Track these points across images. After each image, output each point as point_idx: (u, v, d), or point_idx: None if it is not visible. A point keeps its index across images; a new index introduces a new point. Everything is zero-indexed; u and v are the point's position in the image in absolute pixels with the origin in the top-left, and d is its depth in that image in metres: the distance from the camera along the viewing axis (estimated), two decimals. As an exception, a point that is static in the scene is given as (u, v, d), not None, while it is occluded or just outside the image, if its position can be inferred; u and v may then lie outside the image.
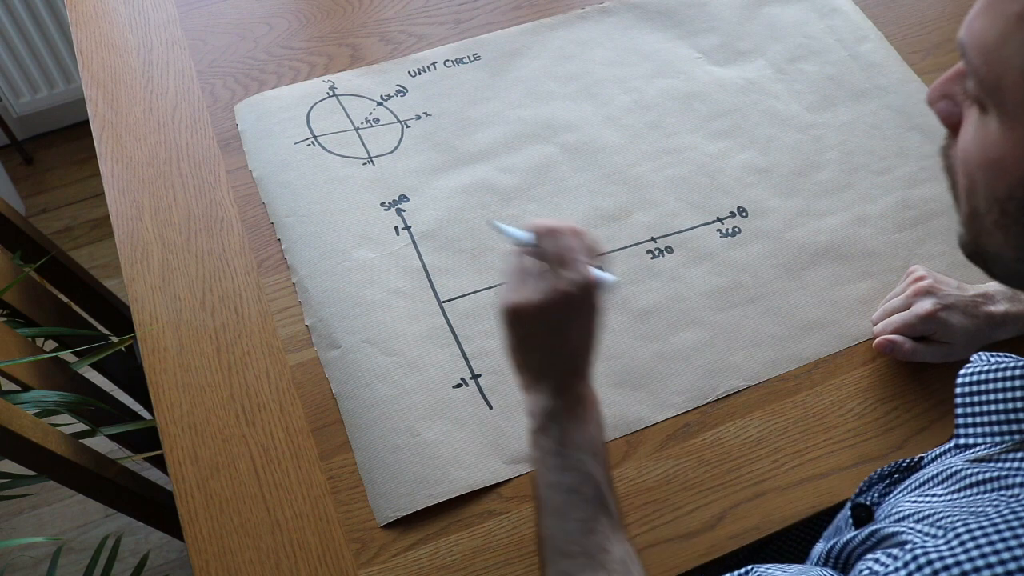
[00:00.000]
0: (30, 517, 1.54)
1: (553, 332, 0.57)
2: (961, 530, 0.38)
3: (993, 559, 0.36)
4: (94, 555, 1.09)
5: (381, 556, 0.68)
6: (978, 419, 0.46)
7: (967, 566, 0.36)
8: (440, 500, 0.70)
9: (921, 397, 0.76)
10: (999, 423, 0.45)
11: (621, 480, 0.71)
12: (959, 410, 0.47)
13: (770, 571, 0.48)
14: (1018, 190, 0.38)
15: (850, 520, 0.59)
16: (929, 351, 0.74)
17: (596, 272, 0.57)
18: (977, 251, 0.43)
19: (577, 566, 0.54)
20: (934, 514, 0.42)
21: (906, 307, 0.76)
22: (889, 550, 0.41)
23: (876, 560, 0.40)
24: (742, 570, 0.50)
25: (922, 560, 0.38)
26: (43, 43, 1.70)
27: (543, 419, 0.58)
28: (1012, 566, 0.35)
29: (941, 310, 0.73)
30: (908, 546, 0.39)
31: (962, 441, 0.46)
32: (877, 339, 0.76)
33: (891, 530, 0.43)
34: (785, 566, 0.48)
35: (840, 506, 0.70)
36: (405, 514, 0.69)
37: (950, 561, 0.37)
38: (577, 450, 0.57)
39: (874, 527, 0.45)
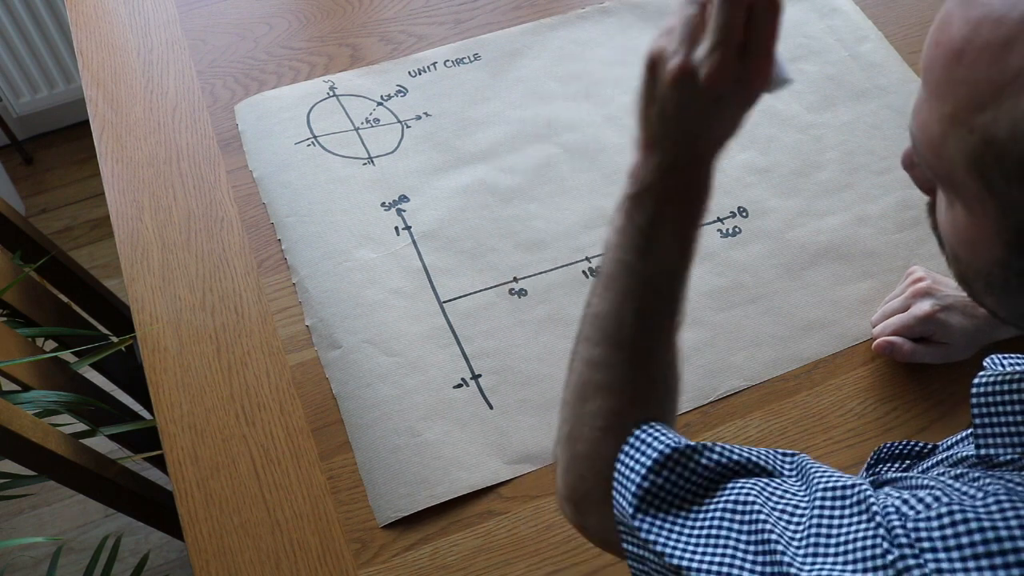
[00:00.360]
0: (30, 517, 1.54)
1: (688, 102, 0.49)
2: (1003, 497, 0.36)
3: None
4: (94, 555, 1.09)
5: (381, 556, 0.68)
6: (998, 428, 0.44)
7: (1004, 533, 0.35)
8: (441, 500, 0.70)
9: (921, 397, 0.76)
10: (1020, 434, 0.43)
11: (621, 480, 0.71)
12: (976, 420, 0.45)
13: (813, 463, 0.46)
14: (995, 268, 0.38)
15: (864, 474, 0.58)
16: (928, 352, 0.74)
17: (780, 66, 0.49)
18: (972, 298, 0.43)
19: (618, 358, 0.51)
20: (969, 475, 0.40)
21: (905, 308, 0.76)
22: (920, 494, 0.39)
23: (905, 501, 0.38)
24: (792, 451, 0.47)
25: (958, 516, 0.36)
26: (43, 43, 1.70)
27: (642, 188, 0.51)
28: None
29: (940, 311, 0.73)
30: (944, 499, 0.37)
31: (983, 452, 0.45)
32: (876, 341, 0.76)
33: (923, 481, 0.41)
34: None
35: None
36: (406, 514, 0.69)
37: (987, 524, 0.35)
38: (666, 237, 0.51)
39: (900, 475, 0.44)
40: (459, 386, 0.75)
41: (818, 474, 0.43)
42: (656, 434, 0.47)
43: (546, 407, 0.74)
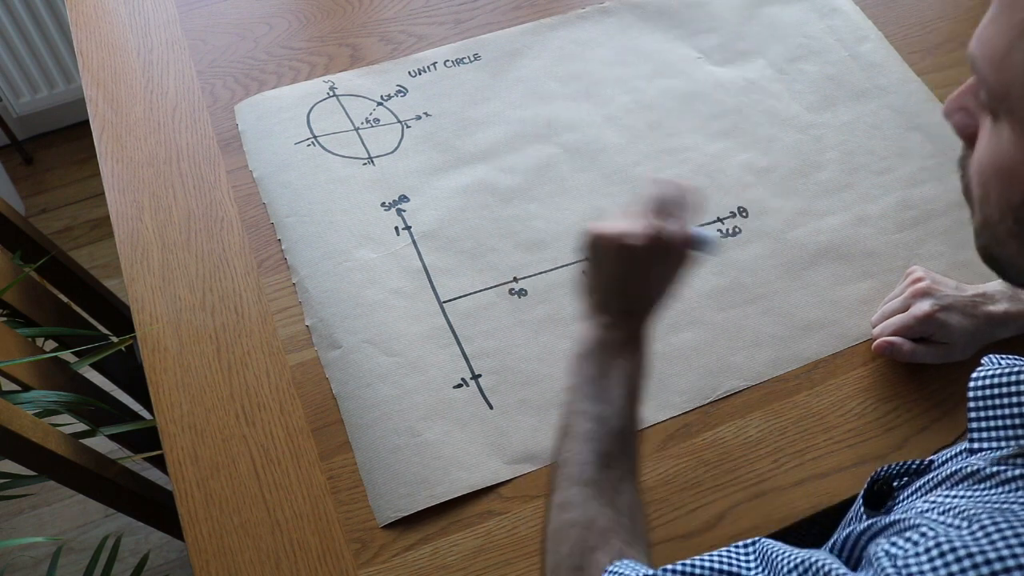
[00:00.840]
0: (30, 517, 1.54)
1: (633, 271, 0.58)
2: (987, 522, 0.37)
3: (1020, 552, 0.35)
4: (94, 555, 1.09)
5: (381, 556, 0.68)
6: (992, 423, 0.45)
7: (992, 556, 0.35)
8: (441, 500, 0.70)
9: (921, 397, 0.76)
10: (1014, 427, 0.44)
11: (621, 480, 0.71)
12: (972, 415, 0.46)
13: (775, 545, 0.47)
14: None
15: (861, 511, 0.58)
16: (928, 352, 0.74)
17: (696, 230, 0.60)
18: (990, 257, 0.44)
19: (586, 495, 0.54)
20: (955, 508, 0.41)
21: (904, 308, 0.76)
22: (908, 534, 0.40)
23: (893, 544, 0.39)
24: (750, 540, 0.49)
25: (945, 548, 0.37)
26: (43, 43, 1.70)
27: (591, 346, 0.59)
28: None
29: (939, 311, 0.73)
30: (931, 533, 0.38)
31: (976, 446, 0.45)
32: (876, 341, 0.76)
33: (913, 521, 0.42)
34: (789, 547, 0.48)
35: (840, 507, 0.70)
36: (406, 514, 0.69)
37: (974, 550, 0.36)
38: (615, 384, 0.57)
39: (892, 518, 0.44)
40: (459, 386, 0.75)
41: (781, 558, 0.45)
42: (623, 571, 0.49)
43: (546, 407, 0.74)
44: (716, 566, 0.47)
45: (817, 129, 0.93)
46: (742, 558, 0.47)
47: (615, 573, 0.49)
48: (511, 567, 0.68)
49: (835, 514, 0.70)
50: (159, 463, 1.26)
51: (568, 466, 0.56)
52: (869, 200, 0.88)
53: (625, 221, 0.59)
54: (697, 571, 0.47)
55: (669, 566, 0.48)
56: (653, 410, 0.75)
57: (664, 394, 0.75)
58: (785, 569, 0.44)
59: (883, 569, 0.38)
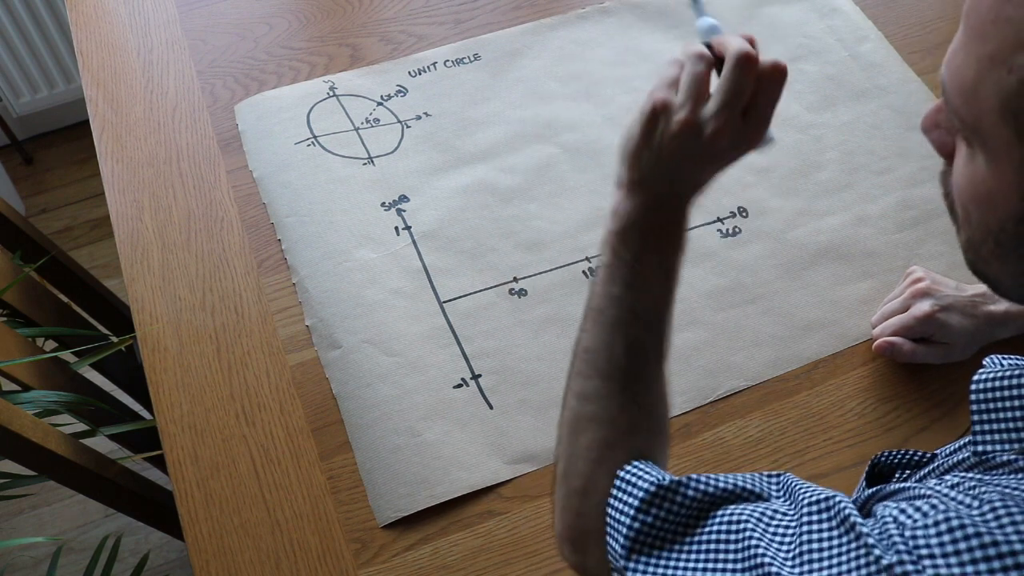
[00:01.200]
0: (30, 517, 1.54)
1: (688, 153, 0.52)
2: (998, 504, 0.37)
3: None
4: (94, 555, 1.09)
5: (381, 556, 0.68)
6: (996, 425, 0.45)
7: (999, 538, 0.36)
8: (441, 500, 0.70)
9: (921, 397, 0.76)
10: (1018, 429, 0.44)
11: (621, 480, 0.71)
12: (975, 416, 0.46)
13: (798, 480, 0.47)
14: (1009, 224, 0.39)
15: (863, 484, 0.58)
16: (929, 352, 0.74)
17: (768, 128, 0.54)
18: (977, 273, 0.44)
19: (611, 390, 0.52)
20: (965, 483, 0.41)
21: (904, 309, 0.76)
22: (918, 503, 0.40)
23: (903, 511, 0.39)
24: (776, 471, 0.48)
25: (955, 524, 0.37)
26: (43, 43, 1.70)
27: (627, 224, 0.54)
28: None
29: (939, 311, 0.73)
30: (941, 506, 0.38)
31: (980, 448, 0.45)
32: (876, 341, 0.76)
33: (923, 492, 0.42)
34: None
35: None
36: (406, 514, 0.69)
37: (983, 530, 0.36)
38: (651, 269, 0.53)
39: (901, 485, 0.44)
40: (459, 386, 0.75)
41: (802, 490, 0.44)
42: (641, 472, 0.48)
43: (546, 407, 0.74)
44: (741, 484, 0.46)
45: (817, 129, 0.93)
46: (769, 484, 0.47)
47: (632, 473, 0.48)
48: (511, 567, 0.68)
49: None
50: (159, 463, 1.26)
51: (594, 354, 0.53)
52: (869, 200, 0.88)
53: (692, 91, 0.53)
54: (722, 484, 0.46)
55: (695, 476, 0.47)
56: (653, 410, 0.75)
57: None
58: (805, 501, 0.43)
59: (890, 536, 0.38)
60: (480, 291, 0.81)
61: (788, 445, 0.73)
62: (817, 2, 1.04)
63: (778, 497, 0.46)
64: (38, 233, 1.13)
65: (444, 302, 0.80)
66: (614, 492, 0.49)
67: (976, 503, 0.38)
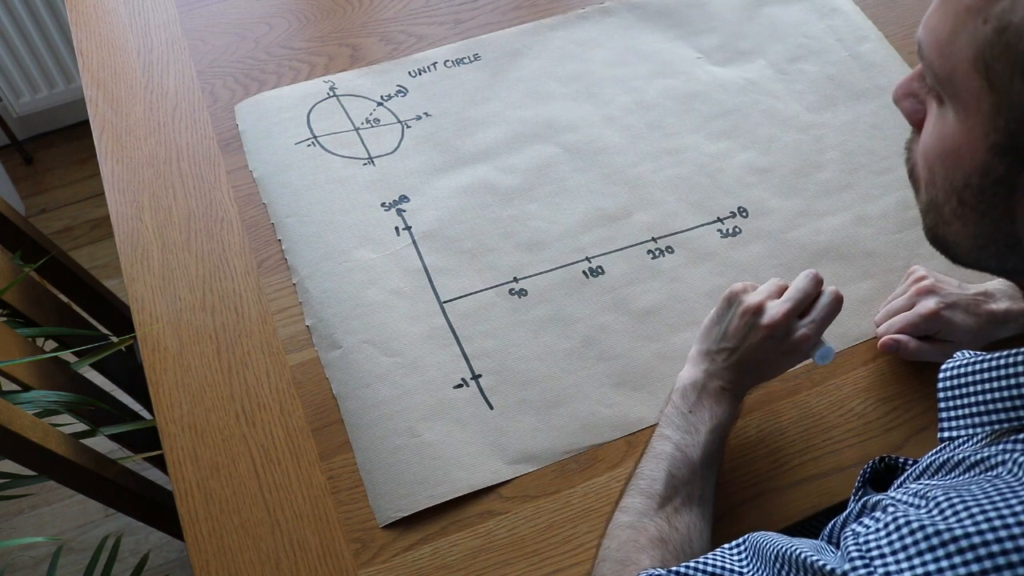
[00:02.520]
0: (30, 517, 1.54)
1: (763, 354, 0.65)
2: (942, 500, 0.39)
3: (970, 526, 0.37)
4: (94, 555, 1.09)
5: (381, 556, 0.68)
6: (958, 412, 0.48)
7: (942, 527, 0.38)
8: (441, 500, 0.70)
9: (921, 397, 0.76)
10: (977, 415, 0.46)
11: (620, 479, 0.71)
12: (941, 404, 0.49)
13: (763, 536, 0.49)
14: (973, 178, 0.40)
15: (854, 512, 0.59)
16: (933, 350, 0.74)
17: (826, 346, 0.67)
18: (936, 238, 0.46)
19: (647, 505, 0.60)
20: (919, 491, 0.43)
21: (909, 307, 0.76)
22: (874, 514, 0.42)
23: (860, 523, 0.42)
24: (740, 539, 0.51)
25: (901, 522, 0.39)
26: (43, 43, 1.70)
27: (690, 386, 0.66)
28: (989, 536, 0.36)
29: (944, 308, 0.73)
30: (891, 510, 0.41)
31: (946, 435, 0.48)
32: (881, 339, 0.76)
33: (876, 498, 0.45)
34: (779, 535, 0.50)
35: (840, 507, 0.70)
36: (406, 514, 0.69)
37: (926, 523, 0.38)
38: (702, 421, 0.64)
39: (864, 499, 0.47)
40: (459, 386, 0.75)
41: (767, 545, 0.48)
42: None
43: (546, 407, 0.74)
44: (710, 569, 0.49)
45: (817, 129, 0.93)
46: (734, 557, 0.50)
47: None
48: (511, 567, 0.68)
49: (835, 514, 0.70)
50: (159, 463, 1.26)
51: (639, 478, 0.62)
52: (869, 200, 0.88)
53: (785, 305, 0.66)
54: (691, 572, 0.50)
55: (662, 570, 0.51)
56: (653, 410, 0.75)
57: (664, 394, 0.75)
58: (771, 558, 0.46)
59: (847, 550, 0.41)
60: (480, 291, 0.81)
61: (788, 445, 0.73)
62: (817, 2, 1.04)
63: (748, 564, 0.49)
64: (38, 233, 1.13)
65: (444, 302, 0.80)
66: None
67: (923, 502, 0.40)
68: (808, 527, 0.76)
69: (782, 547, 0.46)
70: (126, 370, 1.25)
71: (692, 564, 0.50)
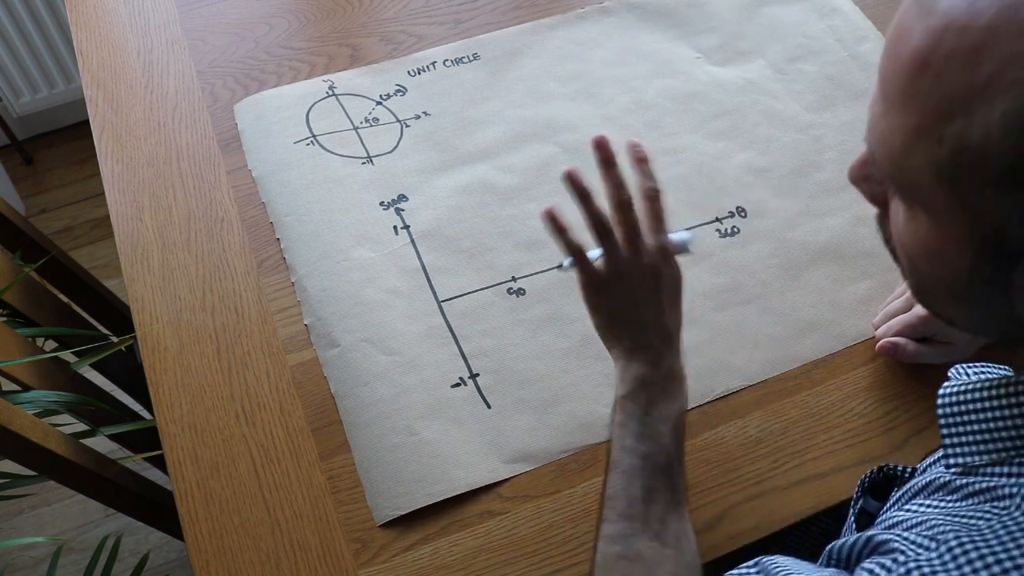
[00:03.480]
0: (30, 517, 1.54)
1: (639, 305, 0.61)
2: (953, 544, 0.38)
3: (984, 575, 0.36)
4: (94, 555, 1.09)
5: (381, 556, 0.68)
6: (963, 438, 0.46)
7: None
8: (438, 499, 0.70)
9: (921, 397, 0.76)
10: (983, 441, 0.45)
11: (621, 480, 0.71)
12: (944, 431, 0.47)
13: (778, 561, 0.48)
14: (962, 275, 0.39)
15: (852, 524, 0.59)
16: (931, 352, 0.74)
17: (672, 237, 0.61)
18: (929, 308, 0.44)
19: (633, 530, 0.56)
20: (925, 522, 0.42)
21: (907, 308, 0.76)
22: (881, 559, 0.41)
23: (870, 571, 0.40)
24: (751, 562, 0.50)
25: (915, 575, 0.38)
26: (43, 43, 1.70)
27: (633, 385, 0.61)
28: None
29: None
30: (902, 558, 0.39)
31: (951, 461, 0.46)
32: (880, 341, 0.76)
33: (883, 537, 0.43)
34: (794, 561, 0.48)
35: (840, 507, 0.70)
36: (403, 513, 0.69)
37: (940, 574, 0.37)
38: (659, 421, 0.60)
39: (870, 533, 0.46)
40: (457, 385, 0.75)
41: (780, 572, 0.46)
42: None
43: (544, 406, 0.75)
44: None
45: (816, 129, 0.93)
46: None
47: None
48: (511, 567, 0.68)
49: (835, 514, 0.71)
50: (159, 463, 1.26)
51: (616, 500, 0.58)
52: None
53: (610, 265, 0.61)
54: None
55: None
56: (653, 410, 0.75)
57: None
58: None
59: None
60: (478, 290, 0.81)
61: (788, 445, 0.73)
62: (817, 2, 1.04)
63: None
64: (38, 233, 1.13)
65: (442, 301, 0.80)
66: None
67: (934, 545, 0.39)
68: (808, 527, 0.76)
69: None
70: (126, 370, 1.25)
71: None
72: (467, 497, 0.70)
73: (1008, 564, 0.36)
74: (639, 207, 0.62)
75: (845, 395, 0.76)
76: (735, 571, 0.50)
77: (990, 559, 0.36)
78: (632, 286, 0.61)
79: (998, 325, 0.41)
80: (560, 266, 0.66)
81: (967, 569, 0.37)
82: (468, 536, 0.69)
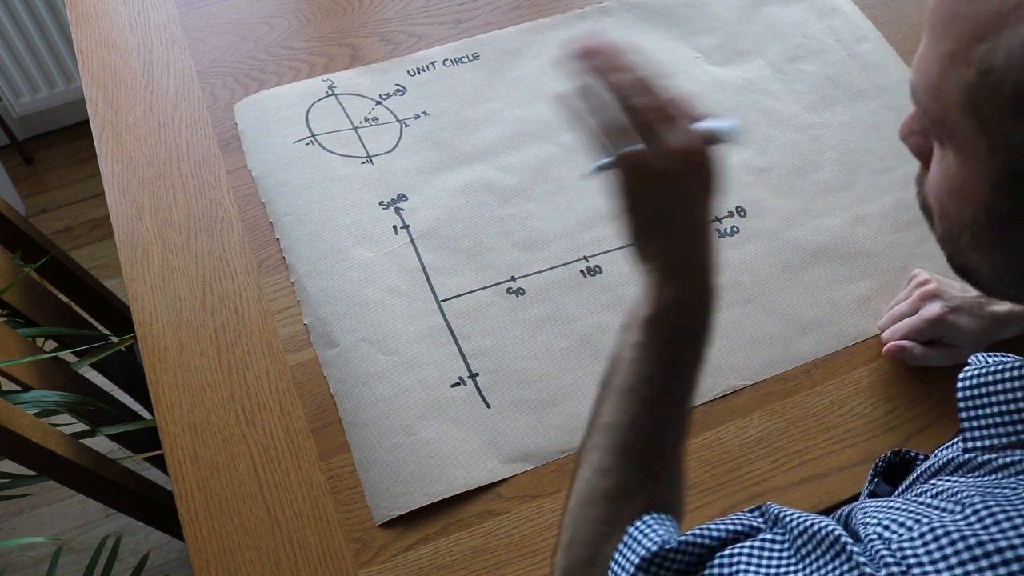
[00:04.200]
0: (30, 517, 1.54)
1: (679, 210, 0.51)
2: (980, 507, 0.38)
3: (1013, 535, 0.36)
4: (94, 555, 1.09)
5: (381, 556, 0.68)
6: (983, 420, 0.46)
7: (984, 539, 0.36)
8: (437, 499, 0.70)
9: (921, 397, 0.76)
10: (1004, 424, 0.45)
11: (620, 480, 0.71)
12: (963, 414, 0.47)
13: (781, 509, 0.47)
14: (980, 215, 0.40)
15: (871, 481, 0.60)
16: (939, 355, 0.74)
17: (709, 124, 0.49)
18: (956, 268, 0.45)
19: (630, 467, 0.52)
20: (948, 490, 0.41)
21: (913, 311, 0.75)
22: (899, 518, 0.40)
23: (887, 527, 0.40)
24: (755, 505, 0.49)
25: (939, 532, 0.37)
26: (43, 43, 1.70)
27: (668, 305, 0.52)
28: None
29: (949, 312, 0.73)
30: (924, 519, 0.39)
31: (970, 444, 0.46)
32: (887, 345, 0.76)
33: (901, 504, 0.43)
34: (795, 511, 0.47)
35: (840, 507, 0.70)
36: (402, 513, 0.69)
37: (968, 534, 0.37)
38: (683, 353, 0.53)
39: (882, 501, 0.45)
40: (456, 385, 0.75)
41: (787, 518, 0.45)
42: (648, 531, 0.48)
43: (543, 406, 0.75)
44: (731, 527, 0.47)
45: (816, 129, 0.93)
46: (754, 519, 0.48)
47: (639, 529, 0.49)
48: (511, 567, 0.68)
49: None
50: (159, 463, 1.26)
51: (619, 431, 0.52)
52: (867, 200, 0.88)
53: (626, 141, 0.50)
54: (714, 534, 0.47)
55: (683, 536, 0.47)
56: (652, 410, 0.75)
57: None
58: (796, 531, 0.44)
59: (877, 551, 0.39)
60: (478, 290, 0.81)
61: (788, 445, 0.73)
62: (817, 2, 1.04)
63: (767, 527, 0.47)
64: (38, 233, 1.13)
65: (442, 301, 0.80)
66: (620, 548, 0.49)
67: (959, 507, 0.39)
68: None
69: (808, 522, 0.43)
70: (126, 370, 1.25)
71: (713, 526, 0.46)
72: (467, 497, 0.70)
73: None
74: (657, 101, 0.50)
75: (845, 395, 0.76)
76: (741, 513, 0.49)
77: (1019, 521, 0.36)
78: (673, 184, 0.50)
79: (1014, 275, 0.42)
80: (599, 167, 0.52)
81: (994, 529, 0.36)
82: (468, 536, 0.69)
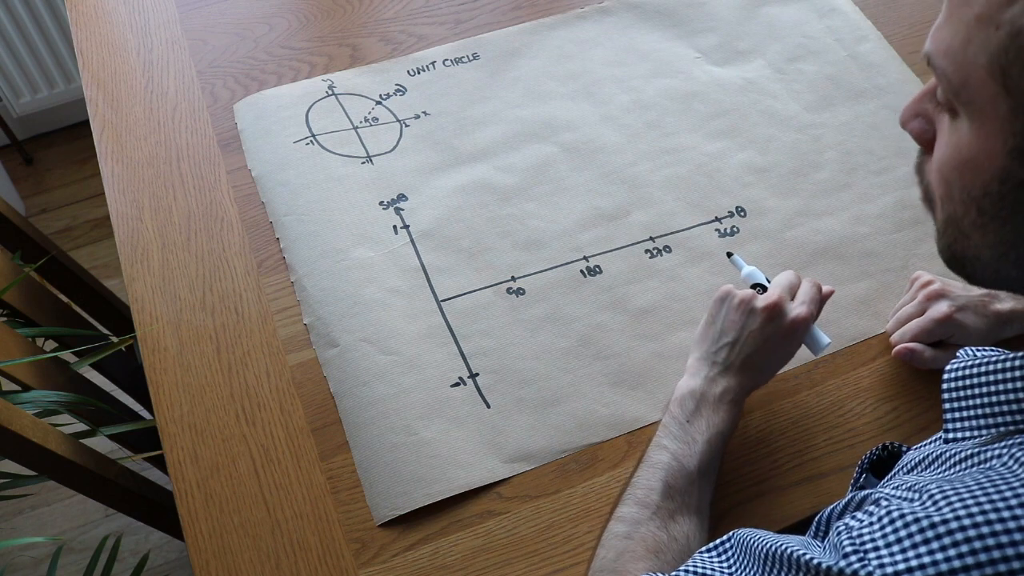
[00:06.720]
0: (30, 517, 1.54)
1: (763, 340, 0.67)
2: (935, 492, 0.40)
3: (963, 514, 0.38)
4: (94, 555, 1.09)
5: (381, 556, 0.68)
6: (964, 413, 0.48)
7: (936, 519, 0.38)
8: (437, 499, 0.70)
9: (921, 397, 0.76)
10: (983, 416, 0.46)
11: (620, 479, 0.71)
12: (946, 405, 0.49)
13: (750, 533, 0.49)
14: (992, 185, 0.40)
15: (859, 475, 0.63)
16: (947, 357, 0.74)
17: (816, 331, 0.70)
18: (954, 257, 0.45)
19: (643, 515, 0.60)
20: (916, 484, 0.43)
21: (920, 312, 0.75)
22: (867, 507, 0.43)
23: (853, 517, 0.42)
24: (724, 537, 0.52)
25: (895, 515, 0.40)
26: (43, 43, 1.70)
27: (688, 395, 0.66)
28: (981, 523, 0.37)
29: (956, 312, 0.73)
30: (883, 504, 0.41)
31: (950, 436, 0.48)
32: (896, 348, 0.76)
33: (865, 493, 0.45)
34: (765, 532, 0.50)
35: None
36: (402, 513, 0.69)
37: (920, 515, 0.39)
38: (699, 431, 0.64)
39: (860, 495, 0.47)
40: (456, 385, 0.75)
41: (756, 543, 0.48)
42: None
43: (543, 406, 0.75)
44: (701, 571, 0.50)
45: (816, 129, 0.93)
46: (716, 561, 0.50)
47: None
48: (511, 567, 0.68)
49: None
50: (159, 463, 1.26)
51: (635, 488, 0.62)
52: (867, 200, 0.88)
53: (775, 290, 0.68)
54: None
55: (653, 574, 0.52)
56: (651, 409, 0.75)
57: (662, 393, 0.75)
58: (760, 556, 0.47)
59: (841, 544, 0.41)
60: (478, 290, 0.81)
61: (788, 445, 0.73)
62: (816, 2, 1.04)
63: (733, 565, 0.50)
64: (38, 233, 1.13)
65: (442, 301, 0.80)
66: None
67: (916, 495, 0.41)
68: (808, 527, 0.76)
69: (770, 545, 0.46)
70: (126, 370, 1.25)
71: (677, 573, 0.50)
72: (467, 497, 0.71)
73: (984, 501, 0.38)
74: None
75: (845, 395, 0.76)
76: (704, 549, 0.52)
77: (968, 499, 0.38)
78: (752, 324, 0.67)
79: (1019, 252, 0.42)
80: (731, 255, 0.78)
81: (946, 510, 0.38)
82: (468, 536, 0.69)
